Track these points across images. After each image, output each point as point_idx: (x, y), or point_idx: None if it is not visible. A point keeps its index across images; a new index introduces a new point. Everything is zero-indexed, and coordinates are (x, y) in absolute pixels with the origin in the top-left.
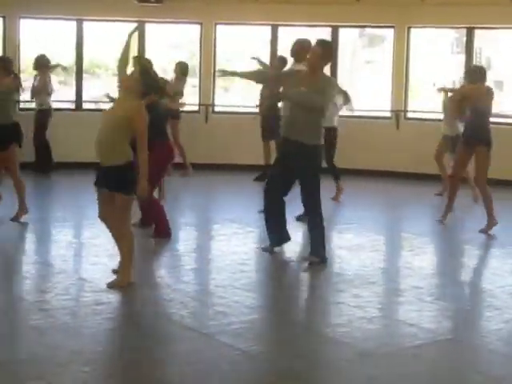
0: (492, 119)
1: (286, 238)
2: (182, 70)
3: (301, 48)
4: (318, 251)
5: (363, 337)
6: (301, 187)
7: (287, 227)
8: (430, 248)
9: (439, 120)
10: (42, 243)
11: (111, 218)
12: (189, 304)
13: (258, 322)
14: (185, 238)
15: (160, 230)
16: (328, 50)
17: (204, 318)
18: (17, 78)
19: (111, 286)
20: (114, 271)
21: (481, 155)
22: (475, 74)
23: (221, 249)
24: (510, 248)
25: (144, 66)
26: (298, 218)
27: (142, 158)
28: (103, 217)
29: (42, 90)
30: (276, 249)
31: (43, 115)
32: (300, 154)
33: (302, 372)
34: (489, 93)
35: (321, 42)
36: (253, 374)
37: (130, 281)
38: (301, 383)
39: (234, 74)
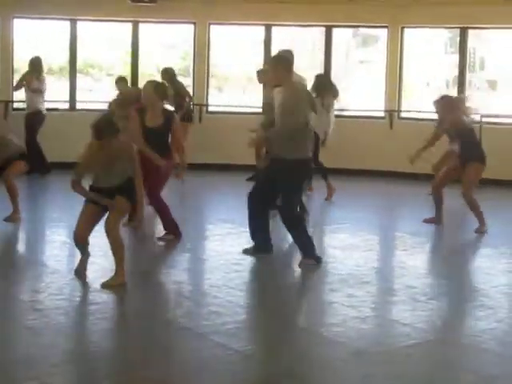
0: (485, 119)
1: (269, 248)
2: (169, 75)
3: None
4: (308, 253)
5: (357, 336)
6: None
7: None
8: (424, 248)
9: (432, 120)
10: (36, 243)
11: (86, 238)
12: (183, 304)
13: (252, 321)
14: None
15: (175, 232)
16: (279, 64)
17: (198, 317)
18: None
19: (105, 286)
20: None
21: (472, 168)
22: (449, 104)
23: (215, 249)
24: (503, 248)
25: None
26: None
27: (138, 183)
28: (80, 235)
29: (39, 92)
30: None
31: (36, 118)
32: (282, 169)
33: (296, 371)
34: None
35: (270, 61)
36: (247, 373)
37: (123, 281)
38: (295, 382)
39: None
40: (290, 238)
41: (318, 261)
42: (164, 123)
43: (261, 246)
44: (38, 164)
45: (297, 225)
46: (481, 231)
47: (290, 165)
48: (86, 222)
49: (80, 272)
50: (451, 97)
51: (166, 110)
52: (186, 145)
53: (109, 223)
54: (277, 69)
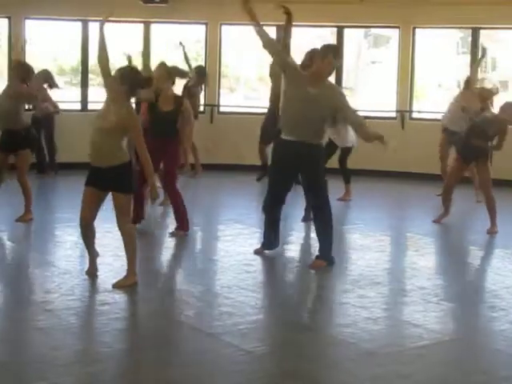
0: None
1: (276, 243)
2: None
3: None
4: (326, 254)
5: (368, 337)
6: (308, 187)
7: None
8: (435, 248)
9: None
10: (47, 244)
11: (93, 220)
12: (194, 304)
13: (263, 322)
14: (190, 239)
15: (183, 223)
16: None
17: (209, 318)
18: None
19: (116, 286)
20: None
21: (481, 166)
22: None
23: (226, 249)
24: None
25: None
26: (304, 219)
27: (144, 158)
28: (86, 217)
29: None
30: (279, 249)
31: (49, 119)
32: (307, 154)
33: (307, 372)
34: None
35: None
36: (258, 374)
37: (134, 281)
38: (306, 383)
39: None
40: (300, 240)
41: (331, 263)
42: (175, 108)
43: (272, 241)
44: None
45: (330, 224)
46: (492, 232)
47: (315, 149)
48: (88, 204)
49: (91, 273)
50: None
51: (176, 96)
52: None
53: (117, 221)
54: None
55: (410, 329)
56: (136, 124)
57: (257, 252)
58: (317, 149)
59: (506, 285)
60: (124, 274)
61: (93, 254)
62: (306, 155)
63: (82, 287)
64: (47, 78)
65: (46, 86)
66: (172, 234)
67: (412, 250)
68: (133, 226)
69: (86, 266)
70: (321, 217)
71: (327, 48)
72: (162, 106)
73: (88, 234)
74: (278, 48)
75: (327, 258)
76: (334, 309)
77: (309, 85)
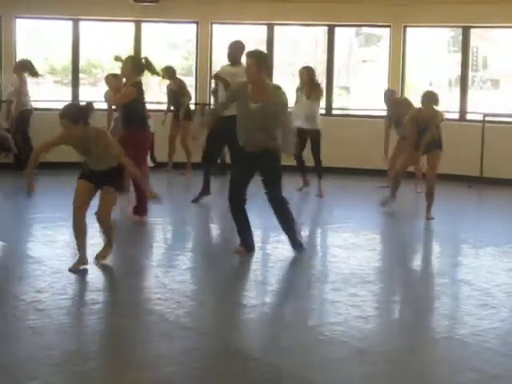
0: (487, 118)
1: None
2: (170, 74)
3: (236, 50)
4: (296, 241)
5: (360, 336)
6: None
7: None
8: (426, 247)
9: None
10: (38, 243)
11: (85, 208)
12: (185, 303)
13: (254, 321)
14: (181, 237)
15: (141, 207)
16: (261, 59)
17: (200, 317)
18: None
19: (98, 257)
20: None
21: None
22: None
23: (218, 248)
24: (506, 247)
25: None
26: None
27: (125, 162)
28: (79, 205)
29: (21, 92)
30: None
31: (24, 115)
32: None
33: (298, 371)
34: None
35: (251, 54)
36: (248, 373)
37: (111, 251)
38: (297, 381)
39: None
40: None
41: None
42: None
43: (249, 244)
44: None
45: (287, 206)
46: (428, 218)
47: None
48: (80, 197)
49: (75, 270)
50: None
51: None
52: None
53: (100, 212)
54: (255, 63)
55: (400, 327)
56: (106, 137)
57: (238, 252)
58: (269, 155)
59: (497, 283)
60: (117, 273)
61: (83, 248)
62: (260, 162)
63: (74, 286)
64: (26, 66)
65: (26, 75)
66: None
67: (403, 248)
68: (110, 222)
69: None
70: (280, 211)
71: (247, 54)
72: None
73: (81, 228)
74: (220, 107)
75: (301, 245)
76: (325, 307)
77: (251, 100)
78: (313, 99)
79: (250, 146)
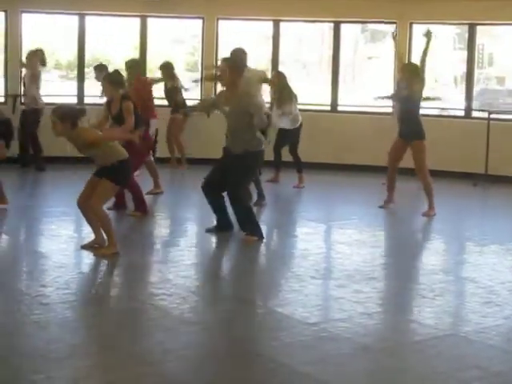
0: (493, 115)
1: (231, 225)
2: (168, 70)
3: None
4: (251, 229)
5: (364, 332)
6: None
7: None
8: (431, 244)
9: (438, 116)
10: (42, 238)
11: (87, 202)
12: (189, 299)
13: (258, 317)
14: (185, 233)
15: (140, 206)
16: (234, 63)
17: (204, 312)
18: None
19: (97, 254)
20: (83, 246)
21: (416, 148)
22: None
23: (222, 243)
24: (510, 245)
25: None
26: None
27: (103, 137)
28: (79, 200)
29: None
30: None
31: (36, 113)
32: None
33: (302, 367)
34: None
35: (224, 59)
36: (252, 369)
37: (115, 251)
38: (300, 377)
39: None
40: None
41: (261, 237)
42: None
43: (222, 224)
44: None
45: (240, 200)
46: (429, 215)
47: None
48: (83, 191)
49: (87, 247)
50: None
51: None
52: (188, 139)
53: (92, 198)
54: (229, 67)
55: (404, 324)
56: (88, 135)
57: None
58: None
59: (501, 280)
60: (121, 268)
61: (97, 231)
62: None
63: (78, 281)
64: (39, 55)
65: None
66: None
67: (407, 245)
68: (102, 210)
69: (82, 259)
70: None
71: (221, 60)
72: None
73: (87, 217)
74: (210, 102)
75: (254, 232)
76: (330, 303)
77: (226, 102)
78: (283, 101)
79: (232, 147)
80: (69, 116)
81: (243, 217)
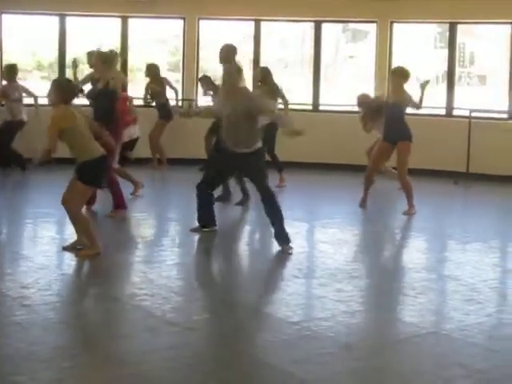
0: (474, 114)
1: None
2: (153, 72)
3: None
4: (287, 238)
5: (346, 331)
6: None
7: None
8: (413, 243)
9: (419, 115)
10: (24, 239)
11: (69, 202)
12: (172, 299)
13: (241, 316)
14: (168, 233)
15: (119, 204)
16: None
17: (187, 313)
18: None
19: (80, 255)
20: (65, 248)
21: (401, 148)
22: None
23: (204, 244)
24: (492, 242)
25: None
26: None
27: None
28: (63, 199)
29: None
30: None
31: (14, 126)
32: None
33: (285, 366)
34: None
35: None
36: (236, 368)
37: (98, 251)
38: (283, 377)
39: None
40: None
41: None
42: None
43: (205, 218)
44: (16, 162)
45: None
46: (409, 213)
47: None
48: (68, 187)
49: (69, 248)
50: None
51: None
52: (169, 139)
53: (65, 194)
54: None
55: (387, 322)
56: (53, 124)
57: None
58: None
59: (483, 278)
60: (103, 269)
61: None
62: (242, 162)
63: (60, 282)
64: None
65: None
66: (110, 216)
67: (390, 244)
68: (77, 210)
69: (63, 260)
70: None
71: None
72: None
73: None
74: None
75: (288, 241)
76: (312, 302)
77: (226, 101)
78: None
79: (232, 145)
80: (64, 91)
81: (278, 213)
